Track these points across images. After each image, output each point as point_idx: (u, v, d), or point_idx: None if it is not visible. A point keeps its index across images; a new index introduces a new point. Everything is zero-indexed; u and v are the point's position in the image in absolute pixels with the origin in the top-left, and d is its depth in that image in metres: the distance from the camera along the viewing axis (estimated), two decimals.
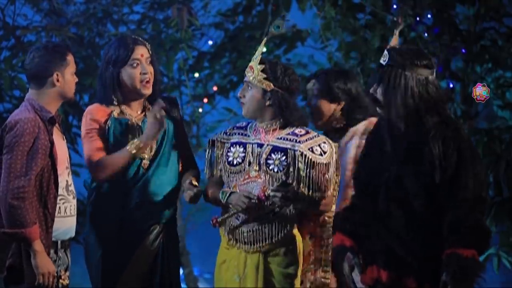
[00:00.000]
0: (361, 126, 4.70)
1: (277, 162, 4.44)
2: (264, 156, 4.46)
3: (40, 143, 4.26)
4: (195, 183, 4.59)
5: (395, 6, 7.01)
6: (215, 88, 8.55)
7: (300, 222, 4.55)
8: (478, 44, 7.10)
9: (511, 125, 7.11)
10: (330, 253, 4.50)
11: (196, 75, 8.47)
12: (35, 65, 4.39)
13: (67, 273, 4.47)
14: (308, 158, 4.42)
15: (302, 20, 8.01)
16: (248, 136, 4.57)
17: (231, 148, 4.55)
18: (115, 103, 4.59)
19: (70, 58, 4.43)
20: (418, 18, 6.92)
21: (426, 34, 6.99)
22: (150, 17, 8.11)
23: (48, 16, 7.57)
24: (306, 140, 4.48)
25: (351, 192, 4.26)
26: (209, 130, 8.98)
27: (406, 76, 3.95)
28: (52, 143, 4.34)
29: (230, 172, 4.53)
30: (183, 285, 6.97)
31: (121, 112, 4.60)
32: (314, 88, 4.77)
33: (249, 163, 4.49)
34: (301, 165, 4.42)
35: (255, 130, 4.57)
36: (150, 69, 4.60)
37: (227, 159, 4.54)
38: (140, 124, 4.61)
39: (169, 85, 8.33)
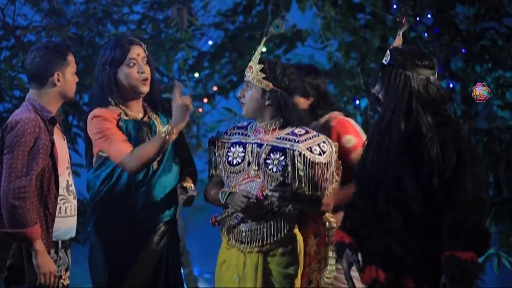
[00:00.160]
0: (322, 120, 4.76)
1: (275, 162, 4.44)
2: (263, 156, 4.46)
3: (41, 143, 4.26)
4: (186, 184, 4.58)
5: (395, 6, 7.02)
6: (215, 88, 8.55)
7: (305, 222, 4.55)
8: (478, 44, 7.11)
9: (511, 125, 7.11)
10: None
11: (196, 75, 8.47)
12: (35, 65, 4.38)
13: (68, 273, 4.47)
14: (306, 158, 4.42)
15: (302, 20, 8.01)
16: (248, 136, 4.57)
17: (231, 148, 4.55)
18: (113, 104, 4.57)
19: (70, 58, 4.43)
20: (418, 18, 6.93)
21: (426, 34, 7.00)
22: (150, 17, 8.11)
23: (48, 16, 7.58)
24: (305, 140, 4.47)
25: None
26: (209, 130, 8.96)
27: (406, 75, 3.95)
28: (52, 143, 4.34)
29: (230, 172, 4.52)
30: None
31: (125, 113, 4.57)
32: None
33: (249, 163, 4.49)
34: (299, 165, 4.42)
35: (255, 130, 4.57)
36: (146, 68, 4.58)
37: (227, 159, 4.54)
38: (150, 123, 4.58)
39: (169, 85, 8.32)
